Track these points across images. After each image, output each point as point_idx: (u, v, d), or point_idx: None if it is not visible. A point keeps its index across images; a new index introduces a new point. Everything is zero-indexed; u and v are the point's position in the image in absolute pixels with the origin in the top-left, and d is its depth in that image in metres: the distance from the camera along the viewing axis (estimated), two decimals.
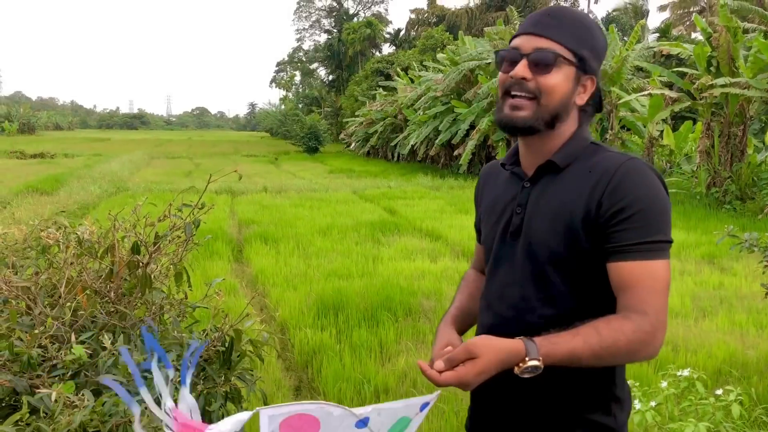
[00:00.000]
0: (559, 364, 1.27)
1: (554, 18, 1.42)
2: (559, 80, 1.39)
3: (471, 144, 19.73)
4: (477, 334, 1.60)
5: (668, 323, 4.82)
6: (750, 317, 5.71)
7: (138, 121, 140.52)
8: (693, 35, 32.18)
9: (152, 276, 2.33)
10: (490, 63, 20.75)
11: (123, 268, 2.27)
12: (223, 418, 2.13)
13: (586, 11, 45.98)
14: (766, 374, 4.33)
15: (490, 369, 1.26)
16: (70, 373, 1.89)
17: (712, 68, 13.54)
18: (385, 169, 25.12)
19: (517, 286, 1.46)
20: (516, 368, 1.26)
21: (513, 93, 1.41)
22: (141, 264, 2.26)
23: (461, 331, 1.65)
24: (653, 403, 3.37)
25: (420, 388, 4.18)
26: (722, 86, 12.30)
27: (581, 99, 1.44)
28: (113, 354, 1.94)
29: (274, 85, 76.22)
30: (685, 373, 3.62)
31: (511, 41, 1.47)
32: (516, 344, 1.27)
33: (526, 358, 1.25)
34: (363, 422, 1.23)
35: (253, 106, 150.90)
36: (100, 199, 13.81)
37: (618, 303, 1.33)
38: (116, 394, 1.84)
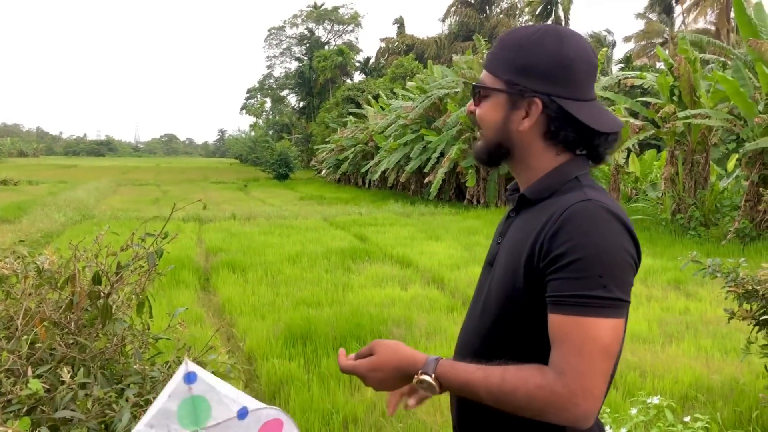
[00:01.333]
0: (456, 391, 1.27)
1: (494, 46, 1.38)
2: (485, 110, 1.37)
3: (441, 171, 19.87)
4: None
5: (636, 349, 4.84)
6: (715, 342, 5.78)
7: (105, 147, 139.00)
8: (658, 65, 33.02)
9: (114, 306, 2.27)
10: (458, 92, 21.01)
11: (84, 298, 2.22)
12: None
13: None
14: (731, 399, 4.38)
15: (385, 369, 1.30)
16: (25, 408, 1.83)
17: (674, 97, 13.88)
18: (355, 196, 25.15)
19: (476, 318, 1.40)
20: (414, 379, 1.28)
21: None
22: (102, 294, 2.20)
23: None
24: (623, 430, 3.38)
25: (388, 418, 4.14)
26: (685, 118, 12.62)
27: (522, 125, 1.32)
28: (72, 388, 1.89)
29: (244, 111, 76.07)
30: (655, 400, 3.64)
31: None
32: (418, 356, 1.29)
33: (420, 371, 1.26)
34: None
35: (222, 132, 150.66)
36: (64, 228, 13.55)
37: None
38: (82, 428, 1.79)
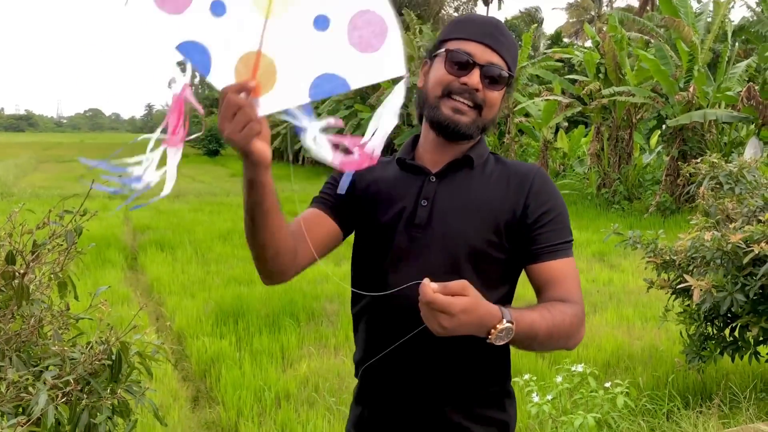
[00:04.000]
0: (520, 334, 1.24)
1: (501, 35, 1.44)
2: (500, 97, 1.45)
3: None
4: (369, 335, 1.52)
5: None
6: (636, 311, 6.03)
7: (25, 122, 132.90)
8: (586, 44, 33.73)
9: (31, 287, 2.18)
10: None
11: None
12: (109, 431, 2.01)
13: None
14: (650, 364, 4.58)
15: (474, 314, 1.17)
16: None
17: (600, 75, 14.25)
18: (289, 173, 24.89)
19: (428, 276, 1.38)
20: (492, 332, 1.20)
21: (457, 97, 1.41)
22: (18, 274, 2.11)
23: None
24: (549, 397, 3.49)
25: (321, 392, 4.15)
26: (609, 95, 12.98)
27: (501, 112, 1.53)
28: None
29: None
30: (579, 368, 3.78)
31: (450, 40, 1.44)
32: (492, 305, 1.22)
33: (503, 320, 1.20)
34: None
35: (150, 107, 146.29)
36: None
37: (546, 296, 1.40)
38: None
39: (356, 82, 1.25)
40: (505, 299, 1.44)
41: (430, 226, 1.44)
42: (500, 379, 1.51)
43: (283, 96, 1.22)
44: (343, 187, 1.30)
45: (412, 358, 1.44)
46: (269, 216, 1.32)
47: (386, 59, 1.25)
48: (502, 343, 1.23)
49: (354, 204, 1.53)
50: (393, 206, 1.49)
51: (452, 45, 1.42)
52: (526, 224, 1.42)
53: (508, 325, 1.21)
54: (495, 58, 1.41)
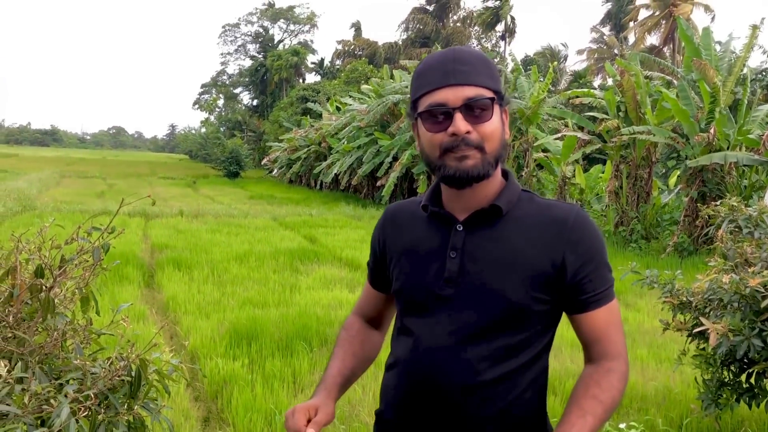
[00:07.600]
0: None
1: (463, 63, 1.31)
2: (495, 123, 1.33)
3: (393, 175, 19.98)
4: (384, 397, 1.51)
5: (576, 357, 4.93)
6: (650, 352, 5.97)
7: (50, 137, 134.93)
8: (609, 81, 33.83)
9: (56, 300, 2.23)
10: None
11: (24, 291, 2.17)
12: None
13: (506, 52, 47.72)
14: (663, 406, 4.53)
15: None
16: None
17: (621, 113, 14.29)
18: (307, 197, 25.06)
19: (459, 340, 1.36)
20: None
21: (455, 150, 1.32)
22: (44, 288, 2.16)
23: (337, 399, 1.55)
24: None
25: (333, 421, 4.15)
26: (629, 133, 13.01)
27: (507, 133, 1.39)
28: (8, 382, 1.84)
29: (197, 107, 74.98)
30: None
31: (421, 97, 1.35)
32: None
33: None
34: None
35: (173, 127, 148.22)
36: (3, 218, 13.13)
37: (593, 351, 1.41)
38: (18, 423, 1.75)
39: None
40: (548, 346, 1.44)
41: (461, 281, 1.37)
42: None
43: None
44: None
45: (431, 421, 1.39)
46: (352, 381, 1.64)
47: None
48: None
49: (385, 266, 1.56)
50: (421, 261, 1.43)
51: (424, 102, 1.34)
52: (567, 277, 1.37)
53: None
54: (468, 91, 1.29)
